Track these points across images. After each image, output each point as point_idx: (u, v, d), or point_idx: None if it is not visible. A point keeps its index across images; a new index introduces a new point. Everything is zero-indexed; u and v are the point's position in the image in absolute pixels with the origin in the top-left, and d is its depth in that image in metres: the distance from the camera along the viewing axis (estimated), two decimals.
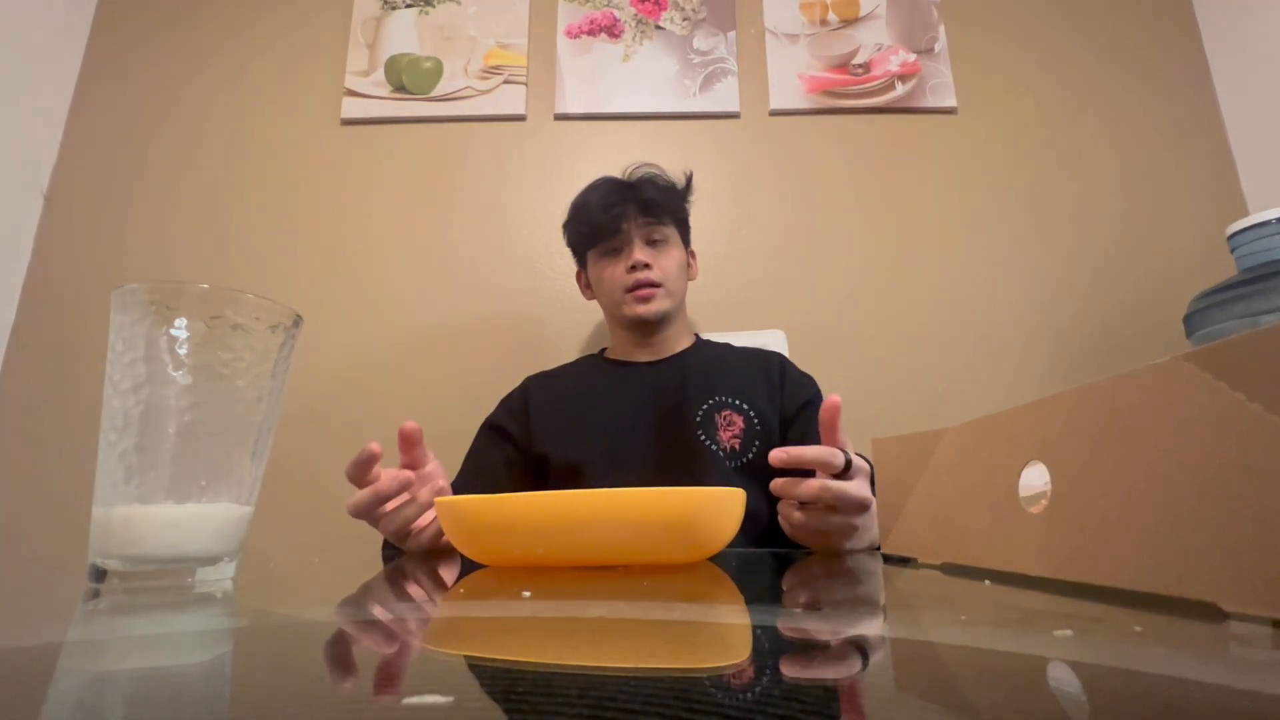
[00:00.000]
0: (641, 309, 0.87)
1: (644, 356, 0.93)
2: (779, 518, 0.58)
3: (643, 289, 0.87)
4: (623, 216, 0.88)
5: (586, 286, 0.99)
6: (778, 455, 0.53)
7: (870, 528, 0.56)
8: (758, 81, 1.33)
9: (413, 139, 1.31)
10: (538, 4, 1.37)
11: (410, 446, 0.58)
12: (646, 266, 0.87)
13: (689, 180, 0.96)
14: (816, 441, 0.80)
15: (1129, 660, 0.15)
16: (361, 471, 0.54)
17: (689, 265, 0.97)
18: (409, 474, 0.54)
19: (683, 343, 0.94)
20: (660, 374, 0.90)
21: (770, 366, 0.89)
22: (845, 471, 0.53)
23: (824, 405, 0.57)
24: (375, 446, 0.53)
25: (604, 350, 1.00)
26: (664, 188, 0.92)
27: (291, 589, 0.36)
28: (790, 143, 1.31)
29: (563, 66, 1.33)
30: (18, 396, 1.19)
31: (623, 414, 0.86)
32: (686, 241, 0.97)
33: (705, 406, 0.83)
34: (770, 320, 1.19)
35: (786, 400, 0.86)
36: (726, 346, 0.95)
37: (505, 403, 0.93)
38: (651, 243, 0.90)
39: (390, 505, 0.54)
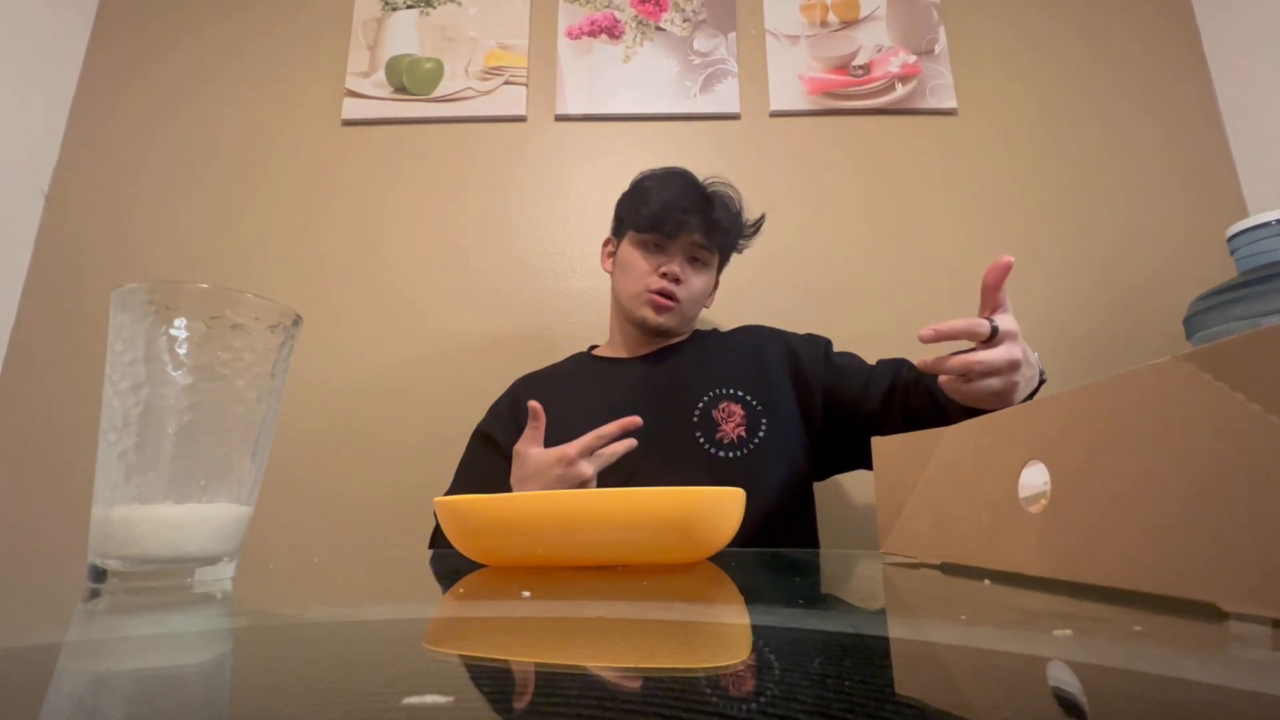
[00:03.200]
0: (652, 316, 0.87)
1: (637, 351, 0.93)
2: (944, 388, 0.60)
3: (663, 298, 0.86)
4: (685, 224, 0.85)
5: (610, 256, 0.96)
6: (925, 333, 0.55)
7: (1032, 377, 0.60)
8: (758, 83, 1.33)
9: (413, 140, 1.31)
10: (538, 5, 1.37)
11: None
12: (677, 280, 0.86)
13: (759, 225, 0.94)
14: (857, 386, 0.84)
15: (1129, 660, 0.15)
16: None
17: (710, 294, 0.96)
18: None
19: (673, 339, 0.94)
20: (650, 369, 0.89)
21: (761, 343, 0.90)
22: (992, 338, 0.56)
23: (992, 266, 0.58)
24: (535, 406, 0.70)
25: (592, 348, 0.99)
26: (733, 212, 0.90)
27: (291, 589, 0.36)
28: (791, 144, 1.31)
29: (563, 67, 1.33)
30: (18, 396, 1.19)
31: (613, 414, 0.82)
32: (721, 269, 0.96)
33: (701, 404, 0.83)
34: (770, 321, 1.19)
35: (810, 369, 0.86)
36: (714, 333, 0.95)
37: (494, 409, 0.92)
38: (693, 260, 0.89)
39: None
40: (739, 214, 0.91)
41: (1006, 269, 0.58)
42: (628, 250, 0.90)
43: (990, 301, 0.59)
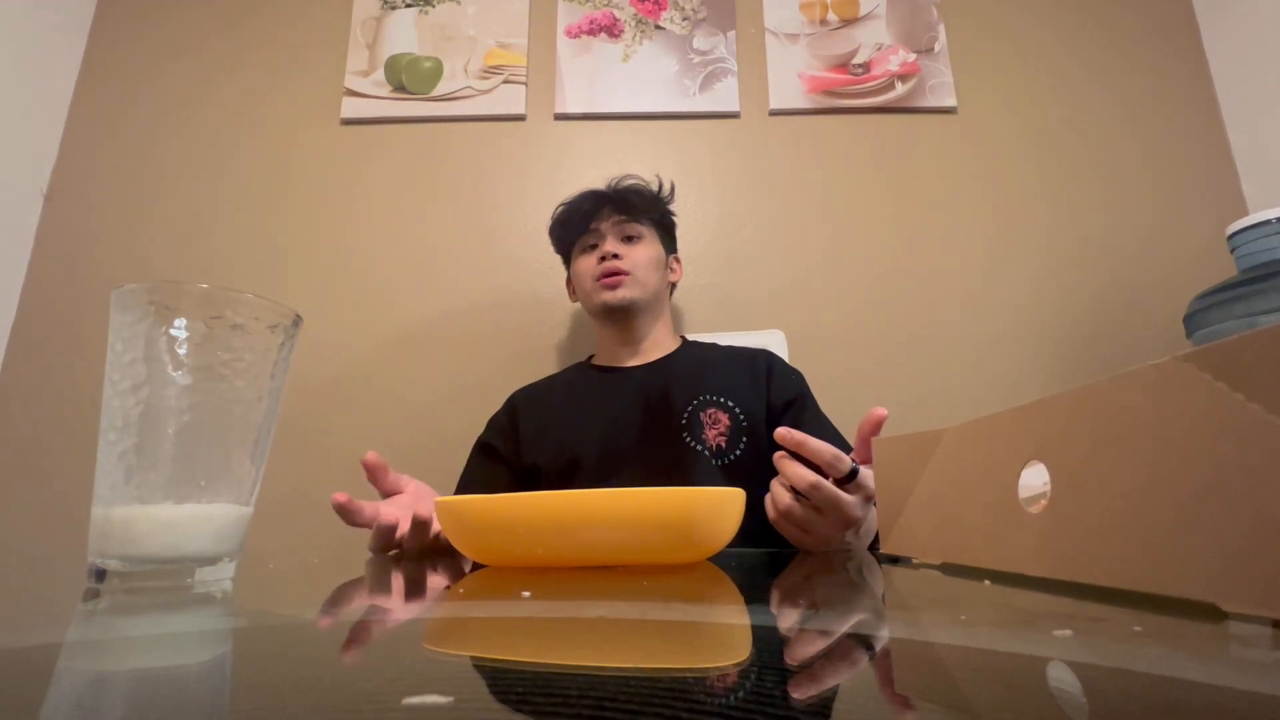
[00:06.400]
0: (608, 295, 0.89)
1: (629, 360, 0.93)
2: (768, 497, 0.56)
3: (610, 276, 0.89)
4: (596, 214, 0.93)
5: (571, 288, 1.01)
6: (784, 434, 0.51)
7: (853, 543, 0.54)
8: (757, 81, 1.33)
9: (412, 139, 1.31)
10: (537, 4, 1.37)
11: (380, 477, 0.58)
12: (615, 256, 0.90)
13: (671, 189, 1.00)
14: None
15: (1129, 660, 0.15)
16: (384, 536, 0.54)
17: (670, 268, 0.98)
18: (391, 521, 0.54)
19: (667, 345, 0.95)
20: (645, 377, 0.90)
21: (756, 363, 0.89)
22: (849, 482, 0.51)
23: (867, 417, 0.53)
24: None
25: (591, 358, 1.00)
26: (640, 190, 0.96)
27: (291, 589, 0.36)
28: (790, 143, 1.31)
29: (562, 66, 1.33)
30: (18, 396, 1.18)
31: (609, 417, 0.86)
32: (670, 248, 0.99)
33: (691, 406, 0.83)
34: (769, 321, 1.19)
35: (774, 394, 0.85)
36: (713, 346, 0.96)
37: (492, 422, 0.93)
38: (626, 239, 0.93)
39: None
40: (648, 189, 0.97)
41: (877, 423, 0.53)
42: (574, 267, 0.97)
43: (862, 452, 0.54)
